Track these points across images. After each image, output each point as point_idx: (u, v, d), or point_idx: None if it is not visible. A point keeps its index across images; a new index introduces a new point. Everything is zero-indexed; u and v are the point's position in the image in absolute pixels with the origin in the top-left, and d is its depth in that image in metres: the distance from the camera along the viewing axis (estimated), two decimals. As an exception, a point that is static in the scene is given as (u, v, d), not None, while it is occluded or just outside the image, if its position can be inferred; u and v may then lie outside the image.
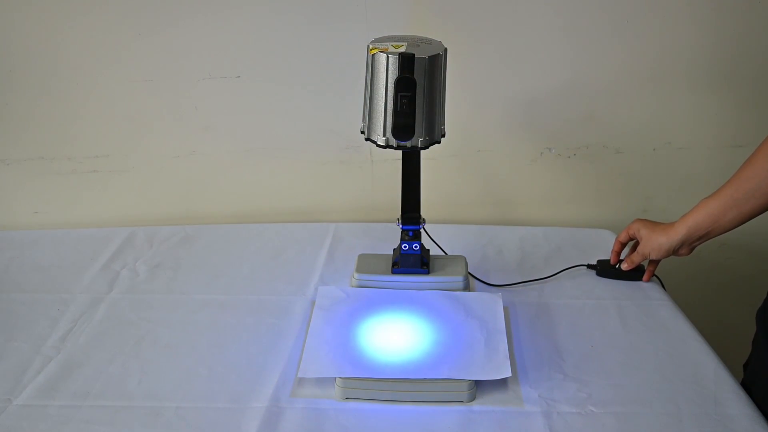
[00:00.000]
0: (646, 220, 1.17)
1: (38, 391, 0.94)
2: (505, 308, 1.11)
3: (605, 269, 1.22)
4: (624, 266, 1.19)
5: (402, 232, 1.11)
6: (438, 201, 1.43)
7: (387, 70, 0.95)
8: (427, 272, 1.13)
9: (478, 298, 1.10)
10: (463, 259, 1.17)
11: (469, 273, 1.17)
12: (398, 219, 1.11)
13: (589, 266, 1.24)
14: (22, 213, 1.48)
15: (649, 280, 1.20)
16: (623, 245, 1.21)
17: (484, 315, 1.05)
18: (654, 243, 1.12)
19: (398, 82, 0.94)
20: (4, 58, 1.34)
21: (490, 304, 1.08)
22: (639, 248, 1.16)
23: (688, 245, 1.10)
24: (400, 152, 1.05)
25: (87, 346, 1.04)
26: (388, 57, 0.95)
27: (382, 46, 0.97)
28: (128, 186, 1.46)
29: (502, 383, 0.94)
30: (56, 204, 1.47)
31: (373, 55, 0.96)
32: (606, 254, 1.25)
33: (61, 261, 1.29)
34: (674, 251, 1.11)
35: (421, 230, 1.12)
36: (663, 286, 1.21)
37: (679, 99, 1.40)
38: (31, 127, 1.40)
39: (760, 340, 1.03)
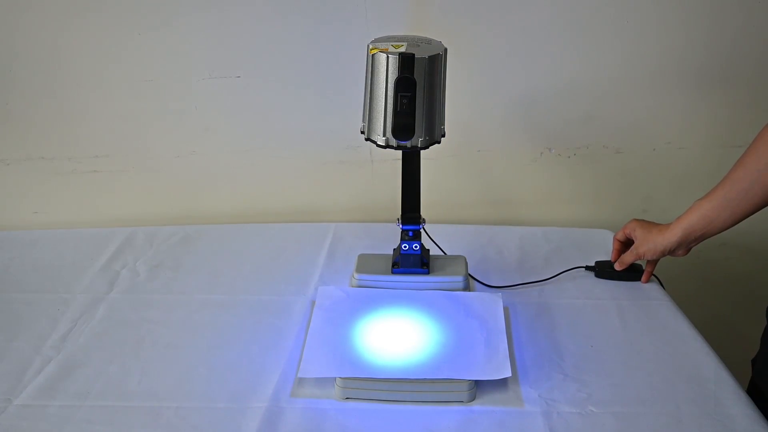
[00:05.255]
0: (642, 220, 1.17)
1: (38, 391, 0.94)
2: (505, 308, 1.11)
3: (603, 270, 1.22)
4: (617, 267, 1.19)
5: (402, 232, 1.11)
6: (438, 201, 1.43)
7: (387, 70, 0.95)
8: (427, 272, 1.13)
9: (478, 298, 1.10)
10: (463, 259, 1.17)
11: (469, 274, 1.17)
12: (398, 219, 1.11)
13: (588, 268, 1.23)
14: (22, 213, 1.48)
15: (647, 281, 1.20)
16: (622, 243, 1.21)
17: (484, 315, 1.05)
18: (649, 244, 1.13)
19: (398, 82, 0.94)
20: (4, 58, 1.34)
21: (490, 304, 1.08)
22: (633, 248, 1.17)
23: (684, 246, 1.10)
24: (400, 152, 1.05)
25: (87, 346, 1.04)
26: (388, 57, 0.95)
27: (382, 46, 0.97)
28: (128, 186, 1.46)
29: (502, 383, 0.94)
30: (56, 204, 1.47)
31: (373, 55, 0.96)
32: (606, 255, 1.25)
33: (61, 261, 1.29)
34: (670, 252, 1.12)
35: (421, 230, 1.12)
36: (663, 286, 1.21)
37: (679, 99, 1.40)
38: (32, 127, 1.40)
39: None
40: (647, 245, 1.13)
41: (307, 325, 1.05)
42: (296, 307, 1.14)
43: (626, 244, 1.21)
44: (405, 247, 1.11)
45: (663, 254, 1.13)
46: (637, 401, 0.92)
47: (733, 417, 0.89)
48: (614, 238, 1.22)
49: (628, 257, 1.18)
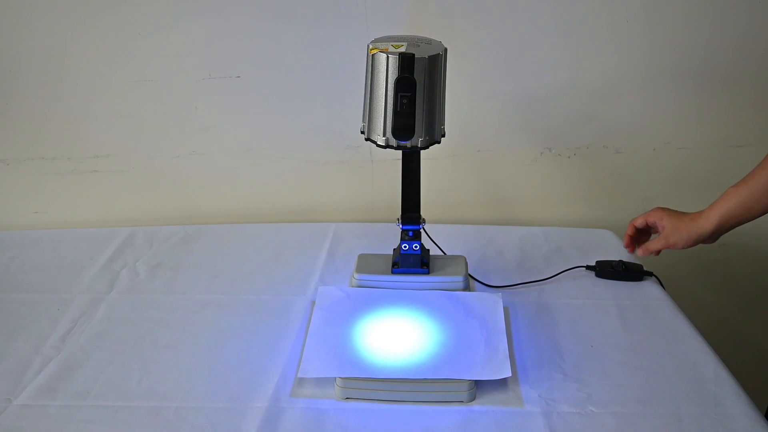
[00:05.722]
0: (667, 209, 1.13)
1: (38, 391, 0.94)
2: (505, 308, 1.11)
3: (604, 270, 1.22)
4: (639, 253, 1.16)
5: (402, 232, 1.11)
6: (437, 201, 1.43)
7: (387, 70, 0.95)
8: (427, 272, 1.13)
9: (478, 297, 1.10)
10: (463, 260, 1.17)
11: (469, 274, 1.17)
12: (398, 219, 1.11)
13: (588, 267, 1.24)
14: (22, 213, 1.48)
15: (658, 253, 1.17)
16: (638, 231, 1.16)
17: (484, 315, 1.05)
18: (681, 233, 1.08)
19: (398, 82, 0.94)
20: (4, 58, 1.34)
21: (490, 304, 1.08)
22: (662, 237, 1.11)
23: (717, 235, 1.06)
24: (400, 152, 1.05)
25: (87, 346, 1.04)
26: (388, 57, 0.95)
27: (382, 46, 0.97)
28: (128, 186, 1.46)
29: (502, 383, 0.94)
30: (56, 204, 1.47)
31: (373, 55, 0.96)
32: (606, 254, 1.25)
33: (61, 261, 1.29)
34: (702, 241, 1.08)
35: (421, 230, 1.12)
36: (663, 286, 1.21)
37: (680, 99, 1.40)
38: (31, 127, 1.40)
39: None
40: (678, 234, 1.08)
41: (307, 325, 1.05)
42: (296, 307, 1.14)
43: (641, 231, 1.17)
44: (405, 247, 1.11)
45: (695, 243, 1.07)
46: (637, 401, 0.92)
47: (733, 417, 0.89)
48: (631, 223, 1.17)
49: (656, 245, 1.12)
